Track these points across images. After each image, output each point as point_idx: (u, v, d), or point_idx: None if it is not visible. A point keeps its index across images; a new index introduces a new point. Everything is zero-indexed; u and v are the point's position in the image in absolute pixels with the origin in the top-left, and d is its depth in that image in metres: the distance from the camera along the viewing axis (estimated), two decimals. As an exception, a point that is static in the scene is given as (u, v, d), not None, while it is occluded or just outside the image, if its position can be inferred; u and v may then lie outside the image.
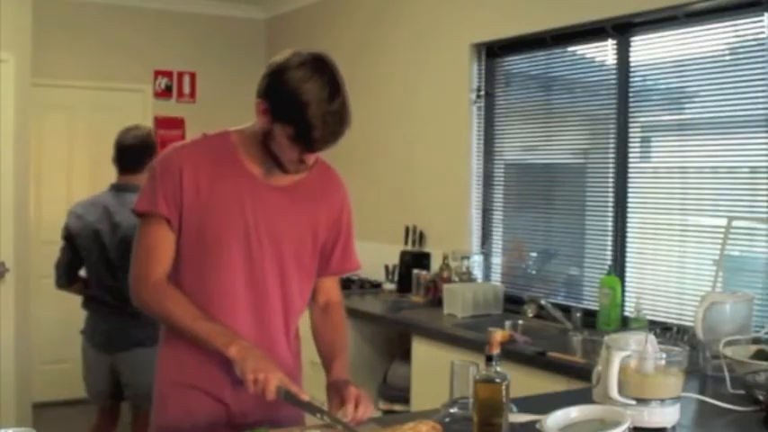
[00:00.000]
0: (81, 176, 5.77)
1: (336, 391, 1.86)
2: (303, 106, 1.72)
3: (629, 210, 3.54)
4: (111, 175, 5.10)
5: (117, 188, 3.44)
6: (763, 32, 3.00)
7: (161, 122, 5.98)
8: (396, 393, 3.88)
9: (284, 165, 1.85)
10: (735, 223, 2.87)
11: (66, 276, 3.54)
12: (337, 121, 1.76)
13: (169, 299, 1.86)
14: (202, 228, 1.86)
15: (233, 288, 1.89)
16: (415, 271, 4.40)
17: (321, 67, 1.77)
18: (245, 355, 1.76)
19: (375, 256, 4.63)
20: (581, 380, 2.65)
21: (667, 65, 3.38)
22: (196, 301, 1.88)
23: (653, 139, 3.58)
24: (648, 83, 3.49)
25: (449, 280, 4.11)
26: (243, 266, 1.89)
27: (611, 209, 3.61)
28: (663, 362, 1.78)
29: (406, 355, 3.82)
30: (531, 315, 3.80)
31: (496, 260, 4.30)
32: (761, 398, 1.95)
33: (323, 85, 1.74)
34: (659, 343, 1.83)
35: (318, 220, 1.99)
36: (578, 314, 3.50)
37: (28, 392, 4.69)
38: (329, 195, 2.03)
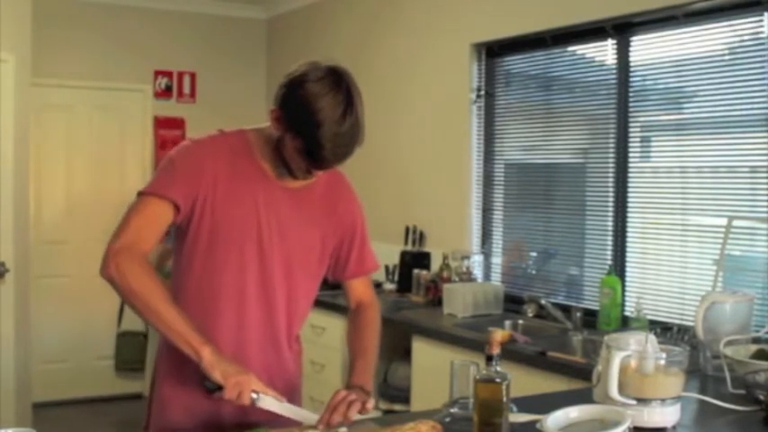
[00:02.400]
0: (81, 176, 5.79)
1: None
2: (315, 124, 1.72)
3: (629, 210, 3.54)
4: (110, 174, 5.13)
5: None
6: (762, 32, 3.00)
7: (161, 122, 5.98)
8: (396, 393, 3.88)
9: (294, 171, 1.86)
10: (735, 223, 2.87)
11: None
12: (347, 142, 1.76)
13: (151, 279, 1.78)
14: (217, 223, 1.86)
15: (244, 285, 1.89)
16: (415, 271, 4.40)
17: (338, 82, 1.76)
18: (220, 358, 1.73)
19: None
20: (581, 380, 2.65)
21: (667, 65, 3.38)
22: (205, 295, 1.88)
23: (653, 138, 3.58)
24: (648, 83, 3.49)
25: (449, 280, 4.11)
26: (254, 263, 1.89)
27: (611, 209, 3.61)
28: (663, 362, 1.78)
29: (406, 355, 3.81)
30: (531, 315, 3.80)
31: (496, 260, 4.30)
32: (761, 398, 1.95)
33: (337, 104, 1.73)
34: (659, 343, 1.83)
35: (328, 223, 2.00)
36: (578, 314, 3.50)
37: (28, 392, 4.69)
38: (339, 199, 2.03)
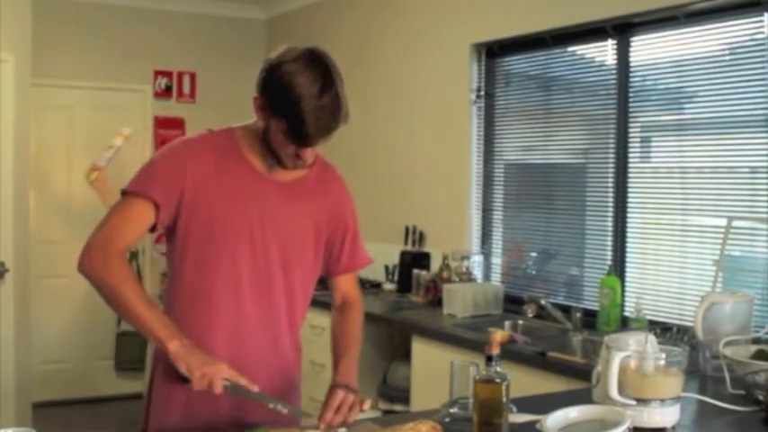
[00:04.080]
0: (81, 176, 5.76)
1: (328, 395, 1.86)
2: (294, 100, 1.73)
3: (629, 210, 3.54)
4: (110, 175, 5.07)
5: None
6: (762, 32, 3.00)
7: (161, 122, 5.98)
8: (396, 393, 3.88)
9: (283, 160, 1.87)
10: (735, 223, 2.87)
11: None
12: (329, 116, 1.76)
13: (123, 272, 1.80)
14: (208, 221, 1.87)
15: (238, 281, 1.89)
16: (415, 271, 4.40)
17: (315, 60, 1.77)
18: (188, 350, 1.74)
19: (375, 256, 4.59)
20: (581, 380, 2.65)
21: (667, 65, 3.38)
22: (200, 293, 1.88)
23: (653, 139, 3.58)
24: (648, 83, 3.49)
25: (449, 280, 4.11)
26: (247, 260, 1.90)
27: (611, 209, 3.61)
28: (663, 362, 1.78)
29: (406, 355, 3.81)
30: (531, 315, 3.80)
31: (496, 260, 4.30)
32: (761, 398, 1.95)
33: (315, 80, 1.74)
34: (659, 343, 1.83)
35: (320, 216, 2.01)
36: (578, 314, 3.50)
37: (28, 392, 4.69)
38: (330, 192, 2.04)
